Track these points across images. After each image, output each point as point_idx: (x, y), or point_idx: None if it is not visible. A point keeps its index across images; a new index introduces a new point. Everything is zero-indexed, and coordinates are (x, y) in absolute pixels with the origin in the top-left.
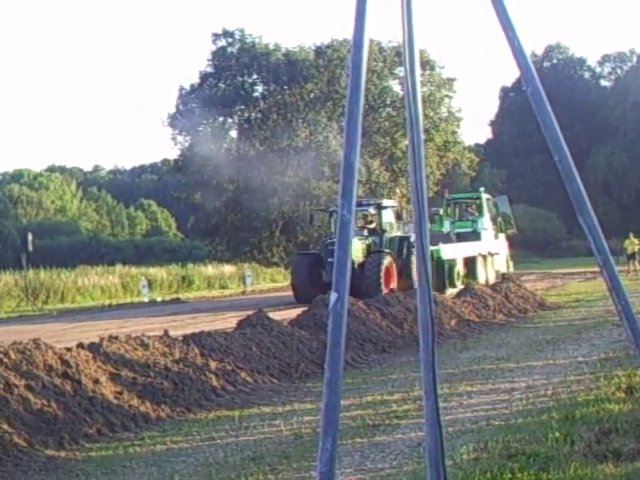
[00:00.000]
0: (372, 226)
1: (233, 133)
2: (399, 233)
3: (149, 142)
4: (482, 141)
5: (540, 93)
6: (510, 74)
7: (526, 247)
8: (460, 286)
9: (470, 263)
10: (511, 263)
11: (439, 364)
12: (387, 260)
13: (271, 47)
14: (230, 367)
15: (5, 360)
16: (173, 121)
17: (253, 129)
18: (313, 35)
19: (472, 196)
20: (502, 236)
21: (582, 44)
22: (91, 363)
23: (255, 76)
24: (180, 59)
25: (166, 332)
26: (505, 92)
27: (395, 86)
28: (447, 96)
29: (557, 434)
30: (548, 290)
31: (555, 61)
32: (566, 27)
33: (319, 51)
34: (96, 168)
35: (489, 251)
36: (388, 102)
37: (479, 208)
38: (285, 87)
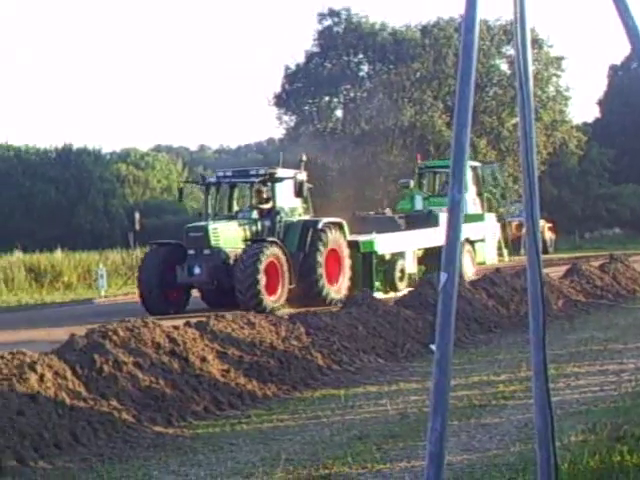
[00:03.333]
0: (269, 205)
1: (338, 112)
2: (306, 217)
3: (254, 121)
4: (590, 120)
5: None
6: (619, 52)
7: (636, 227)
8: (404, 289)
9: (431, 256)
10: (506, 251)
11: (546, 345)
12: (270, 253)
13: (377, 26)
14: (336, 346)
15: (114, 338)
16: (279, 100)
17: (359, 108)
18: (419, 14)
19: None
20: (491, 216)
21: None
22: (198, 341)
23: (361, 55)
24: (286, 38)
25: (272, 311)
26: (614, 70)
27: (502, 65)
28: (555, 75)
29: None
30: None
31: None
32: None
33: (425, 30)
34: (202, 147)
35: (467, 238)
36: (495, 81)
37: None
38: (391, 66)
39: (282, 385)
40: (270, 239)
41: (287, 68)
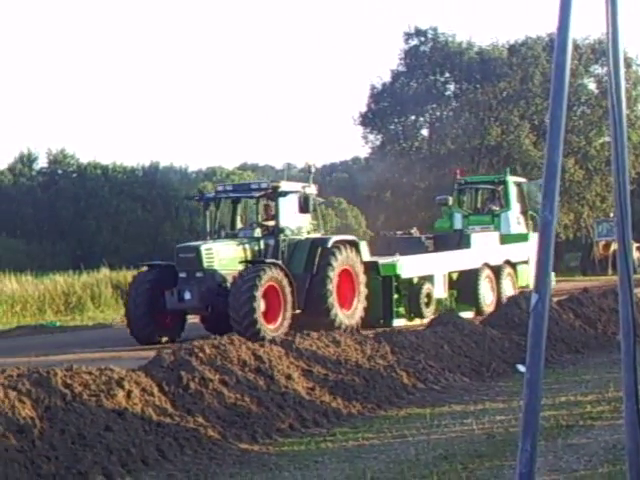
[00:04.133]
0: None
1: (424, 131)
2: (316, 235)
3: (340, 140)
4: None
5: None
6: None
7: None
8: (430, 315)
9: (465, 280)
10: (552, 274)
11: (637, 366)
12: (269, 276)
13: (464, 45)
14: (421, 365)
15: (200, 355)
16: (364, 119)
17: (444, 128)
18: (507, 33)
19: (493, 179)
20: (536, 237)
21: None
22: (284, 359)
23: (447, 75)
24: (372, 58)
25: (357, 329)
26: None
27: (590, 84)
28: None
29: None
30: None
31: None
32: None
33: (512, 49)
34: (287, 166)
35: (507, 260)
36: (583, 100)
37: (504, 197)
38: (477, 86)
39: (367, 403)
40: (269, 260)
41: (373, 87)
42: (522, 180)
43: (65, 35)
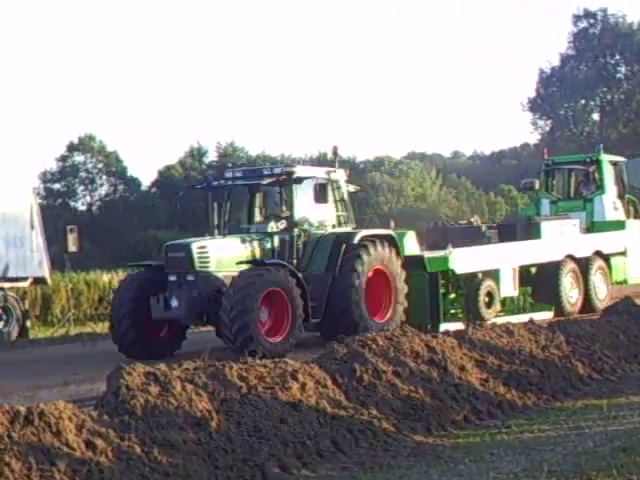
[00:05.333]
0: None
1: (595, 116)
2: (346, 229)
3: (508, 127)
4: None
5: None
6: None
7: None
8: (492, 317)
9: (542, 275)
10: None
11: None
12: (271, 280)
13: (635, 26)
14: (597, 355)
15: (373, 347)
16: (533, 105)
17: (616, 111)
18: None
19: (585, 159)
20: (636, 224)
21: None
22: (457, 350)
23: (618, 57)
24: (539, 42)
25: (531, 320)
26: None
27: None
28: None
29: None
30: None
31: None
32: None
33: None
34: (455, 154)
35: (597, 251)
36: None
37: (599, 178)
38: None
39: (542, 395)
40: (270, 261)
41: (542, 72)
42: (620, 159)
43: (232, 31)
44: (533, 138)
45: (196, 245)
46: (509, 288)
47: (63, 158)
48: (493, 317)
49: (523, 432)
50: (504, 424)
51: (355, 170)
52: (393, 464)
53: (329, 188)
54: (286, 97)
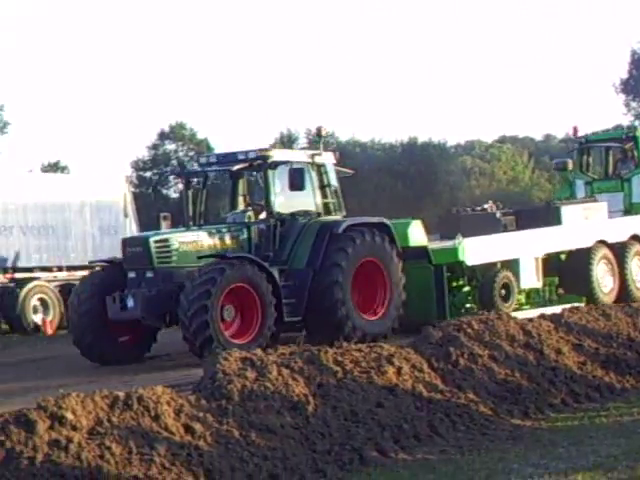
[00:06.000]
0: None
1: None
2: (334, 217)
3: (601, 109)
4: None
5: None
6: None
7: None
8: (510, 310)
9: (571, 263)
10: None
11: None
12: (236, 276)
13: None
14: None
15: (468, 330)
16: (625, 87)
17: None
18: None
19: (620, 135)
20: None
21: None
22: (553, 333)
23: None
24: (631, 23)
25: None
26: None
27: None
28: None
29: None
30: None
31: None
32: None
33: None
34: (547, 137)
35: (635, 235)
36: None
37: (637, 156)
38: None
39: None
40: (233, 254)
41: (634, 53)
42: None
43: (318, 16)
44: (626, 120)
45: (154, 239)
46: (531, 279)
47: (155, 146)
48: (511, 311)
49: (622, 415)
50: (603, 407)
51: (445, 154)
52: (491, 447)
53: (309, 173)
54: (377, 81)
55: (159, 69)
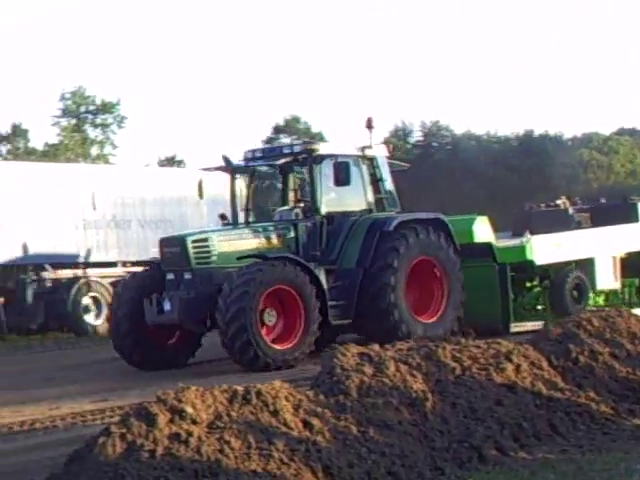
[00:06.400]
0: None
1: None
2: (388, 214)
3: None
4: None
5: None
6: None
7: None
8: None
9: None
10: None
11: None
12: (277, 277)
13: None
14: None
15: (589, 328)
16: None
17: None
18: None
19: None
20: None
21: None
22: None
23: None
24: None
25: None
26: None
27: None
28: None
29: None
30: None
31: None
32: None
33: None
34: None
35: None
36: None
37: None
38: None
39: None
40: (274, 255)
41: None
42: None
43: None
44: None
45: (192, 239)
46: (608, 280)
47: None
48: (582, 311)
49: None
50: None
51: (562, 146)
52: (613, 447)
53: (358, 167)
54: (494, 74)
55: (272, 65)
